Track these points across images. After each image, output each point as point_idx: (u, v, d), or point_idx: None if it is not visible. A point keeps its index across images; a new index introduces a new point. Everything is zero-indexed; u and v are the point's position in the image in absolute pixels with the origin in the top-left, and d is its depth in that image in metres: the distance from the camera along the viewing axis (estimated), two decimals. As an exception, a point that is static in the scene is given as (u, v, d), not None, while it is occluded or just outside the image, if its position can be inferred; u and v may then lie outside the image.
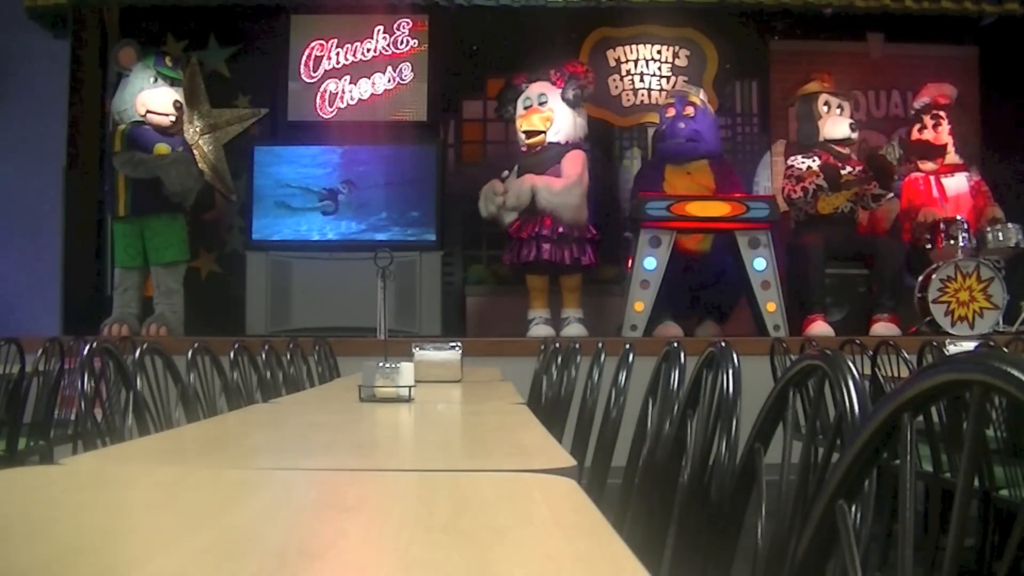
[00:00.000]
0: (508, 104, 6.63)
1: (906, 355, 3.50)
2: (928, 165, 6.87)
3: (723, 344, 1.45)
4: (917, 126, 6.95)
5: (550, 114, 6.52)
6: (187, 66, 6.96)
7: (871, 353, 3.52)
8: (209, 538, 0.77)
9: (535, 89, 6.56)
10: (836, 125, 6.76)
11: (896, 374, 3.32)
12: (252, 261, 6.71)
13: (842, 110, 6.86)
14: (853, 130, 6.74)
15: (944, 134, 6.84)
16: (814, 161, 6.63)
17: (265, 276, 6.64)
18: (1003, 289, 6.10)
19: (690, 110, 6.61)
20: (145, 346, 2.27)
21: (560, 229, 6.27)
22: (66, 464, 1.17)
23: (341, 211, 6.85)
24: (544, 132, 6.48)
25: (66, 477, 1.09)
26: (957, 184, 6.79)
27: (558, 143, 6.49)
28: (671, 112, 6.62)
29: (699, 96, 6.82)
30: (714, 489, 1.32)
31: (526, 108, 6.54)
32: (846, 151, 6.73)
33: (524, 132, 6.51)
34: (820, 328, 6.22)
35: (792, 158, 6.79)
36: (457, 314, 7.02)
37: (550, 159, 6.44)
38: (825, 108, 6.84)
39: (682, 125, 6.54)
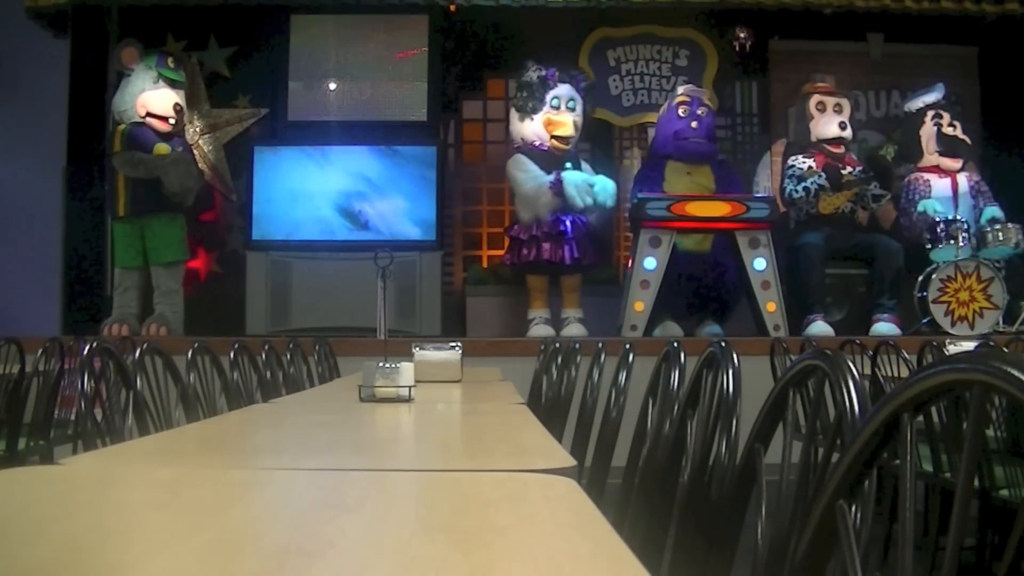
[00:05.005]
0: (538, 96, 6.50)
1: (906, 355, 3.50)
2: (957, 163, 6.83)
3: (723, 344, 1.45)
4: (934, 120, 6.87)
5: (579, 120, 6.57)
6: (187, 66, 6.95)
7: (871, 353, 3.52)
8: (209, 538, 0.77)
9: (565, 91, 6.56)
10: (826, 125, 6.75)
11: (896, 374, 3.32)
12: (252, 261, 6.71)
13: (841, 108, 6.83)
14: (843, 128, 6.69)
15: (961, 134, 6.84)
16: (812, 161, 6.62)
17: (265, 276, 6.64)
18: (1003, 289, 6.10)
19: (703, 110, 6.63)
20: (145, 346, 2.27)
21: (588, 229, 6.36)
22: (66, 464, 1.17)
23: (341, 210, 6.85)
24: (573, 136, 6.56)
25: (66, 477, 1.09)
26: (957, 184, 6.78)
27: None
28: (684, 110, 6.61)
29: (705, 97, 6.85)
30: (714, 489, 1.32)
31: (555, 108, 6.54)
32: (840, 150, 6.70)
33: (557, 136, 6.48)
34: (820, 328, 6.22)
35: (793, 158, 6.78)
36: (457, 314, 7.03)
37: (567, 159, 6.48)
38: (817, 109, 6.82)
39: (695, 124, 6.55)
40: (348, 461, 1.36)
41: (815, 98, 6.84)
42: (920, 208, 6.60)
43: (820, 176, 6.49)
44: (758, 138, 7.75)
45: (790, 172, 6.69)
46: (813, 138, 6.77)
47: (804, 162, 6.65)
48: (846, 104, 6.88)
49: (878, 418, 0.82)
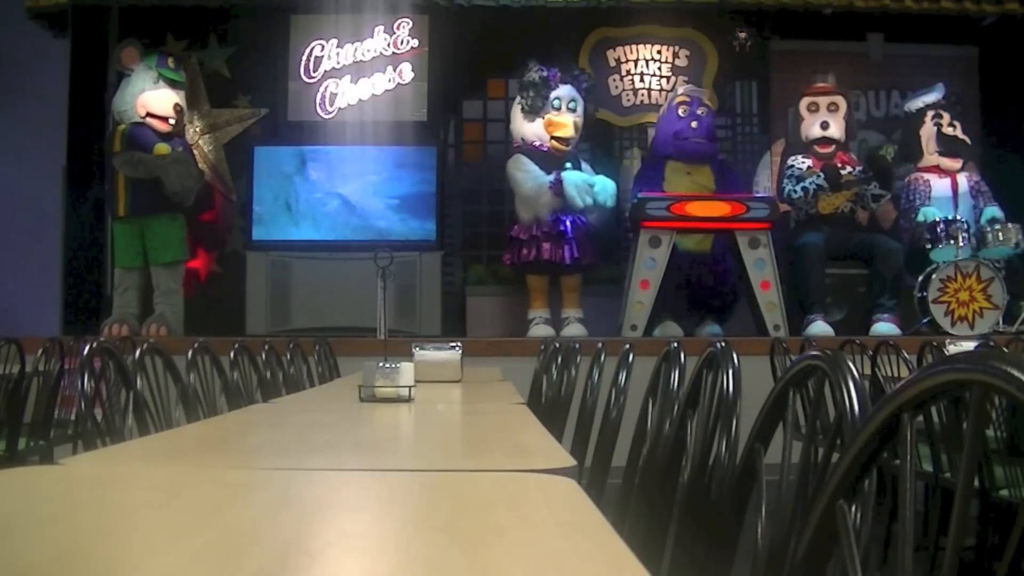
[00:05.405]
0: (541, 96, 6.48)
1: (906, 355, 3.50)
2: (957, 163, 6.82)
3: (723, 344, 1.45)
4: (934, 120, 6.87)
5: (579, 121, 6.56)
6: (187, 66, 6.96)
7: (871, 353, 3.52)
8: (209, 538, 0.77)
9: (566, 92, 6.55)
10: (811, 126, 6.75)
11: (896, 374, 3.32)
12: (252, 261, 6.71)
13: (836, 107, 6.80)
14: (824, 128, 6.67)
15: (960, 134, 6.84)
16: (811, 161, 6.62)
17: (265, 276, 6.64)
18: (1003, 289, 6.10)
19: (703, 110, 6.63)
20: (145, 346, 2.27)
21: (588, 229, 6.36)
22: (66, 464, 1.17)
23: (341, 210, 6.86)
24: (573, 137, 6.56)
25: (66, 477, 1.09)
26: (957, 184, 6.78)
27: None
28: (684, 110, 6.61)
29: (705, 97, 6.86)
30: (714, 489, 1.32)
31: (555, 108, 6.52)
32: (828, 150, 6.66)
33: (557, 137, 6.47)
34: (820, 328, 6.22)
35: (792, 158, 6.78)
36: (457, 314, 7.03)
37: (567, 159, 6.48)
38: (809, 110, 6.81)
39: (695, 124, 6.55)
40: (348, 461, 1.36)
41: (806, 99, 6.84)
42: (920, 217, 6.60)
43: (819, 176, 6.48)
44: (758, 138, 7.75)
45: (789, 172, 6.68)
46: (803, 139, 6.78)
47: (803, 162, 6.65)
48: (842, 103, 6.81)
49: (878, 418, 0.82)
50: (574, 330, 6.31)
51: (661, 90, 7.55)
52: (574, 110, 6.57)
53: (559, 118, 6.49)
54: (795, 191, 6.53)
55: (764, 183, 7.51)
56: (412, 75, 7.20)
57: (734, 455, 1.29)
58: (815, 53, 7.51)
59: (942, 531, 2.76)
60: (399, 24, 7.23)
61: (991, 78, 7.58)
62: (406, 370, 2.09)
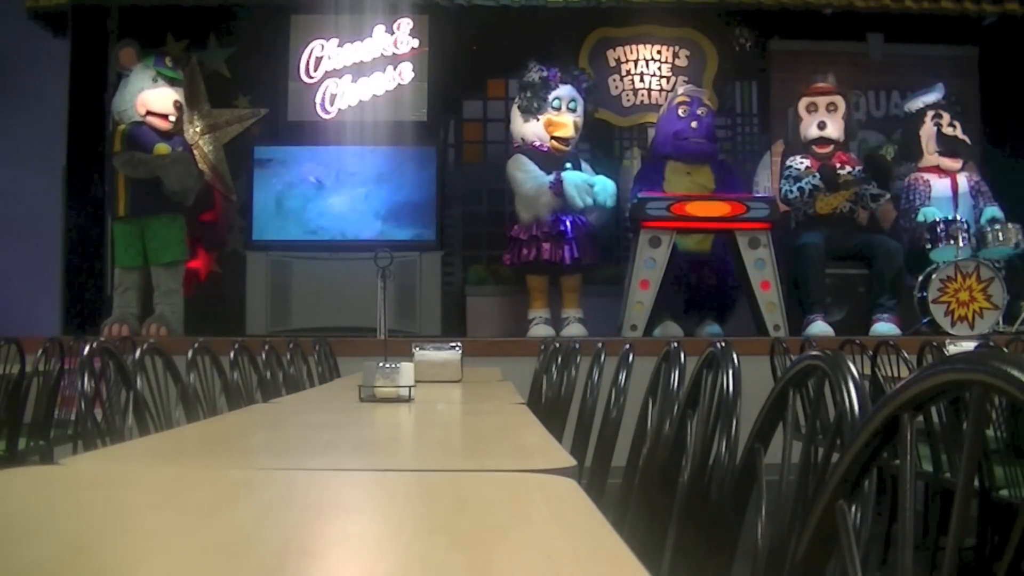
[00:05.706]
0: (540, 97, 6.47)
1: (906, 355, 3.50)
2: (957, 163, 6.82)
3: (723, 344, 1.45)
4: (933, 120, 6.87)
5: (579, 120, 6.55)
6: (187, 66, 6.95)
7: (871, 353, 3.52)
8: (209, 538, 0.77)
9: (566, 92, 6.55)
10: (808, 127, 6.75)
11: (896, 374, 3.32)
12: (252, 261, 6.71)
13: (835, 107, 6.79)
14: (822, 128, 6.66)
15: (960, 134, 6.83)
16: (810, 161, 6.63)
17: (265, 276, 6.64)
18: (1003, 289, 6.10)
19: (703, 110, 6.63)
20: (145, 346, 2.27)
21: (588, 229, 6.35)
22: (66, 464, 1.17)
23: (341, 210, 6.86)
24: (573, 137, 6.56)
25: (66, 477, 1.09)
26: (957, 184, 6.78)
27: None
28: (684, 110, 6.62)
29: (705, 97, 6.87)
30: (714, 489, 1.32)
31: (555, 108, 6.52)
32: (826, 150, 6.65)
33: (557, 137, 6.46)
34: (820, 328, 6.22)
35: (791, 158, 6.78)
36: (457, 314, 7.03)
37: (567, 159, 6.48)
38: (807, 110, 6.80)
39: (695, 124, 6.56)
40: (348, 461, 1.36)
41: (805, 100, 6.83)
42: (920, 217, 6.59)
43: (815, 176, 6.48)
44: (758, 138, 7.75)
45: (787, 173, 6.69)
46: (802, 140, 6.79)
47: (802, 163, 6.65)
48: (840, 103, 6.78)
49: (878, 418, 0.82)
50: (574, 330, 6.31)
51: (661, 90, 7.55)
52: (574, 110, 6.58)
53: (559, 118, 6.49)
54: (792, 191, 6.54)
55: (764, 183, 7.51)
56: (412, 75, 7.20)
57: (734, 455, 1.29)
58: (815, 53, 7.51)
59: (942, 531, 2.76)
60: (399, 24, 7.23)
61: (991, 78, 7.58)
62: (406, 370, 2.09)
